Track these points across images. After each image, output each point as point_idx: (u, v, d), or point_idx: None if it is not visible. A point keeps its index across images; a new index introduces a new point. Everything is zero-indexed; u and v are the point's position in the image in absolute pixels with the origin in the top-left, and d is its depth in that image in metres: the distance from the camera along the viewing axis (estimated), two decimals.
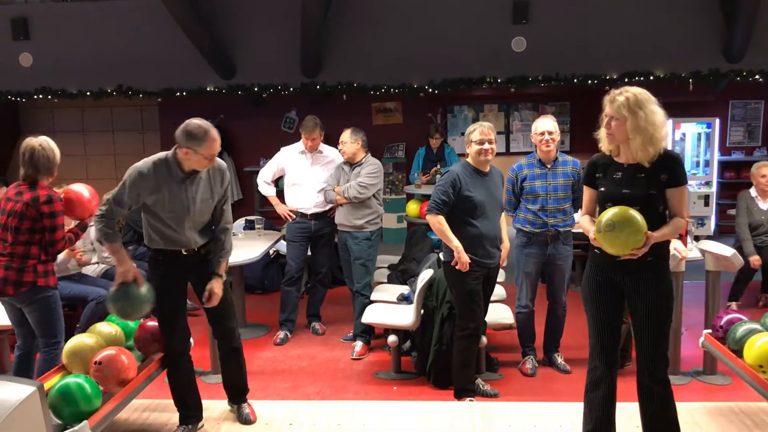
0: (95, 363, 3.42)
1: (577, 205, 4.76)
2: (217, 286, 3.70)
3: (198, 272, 3.76)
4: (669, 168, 3.10)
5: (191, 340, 3.98)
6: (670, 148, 9.24)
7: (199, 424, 3.92)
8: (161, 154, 3.60)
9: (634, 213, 3.01)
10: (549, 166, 4.74)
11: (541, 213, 4.71)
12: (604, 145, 3.23)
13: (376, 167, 5.46)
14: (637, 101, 3.06)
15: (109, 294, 3.59)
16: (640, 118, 3.03)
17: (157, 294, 3.69)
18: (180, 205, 3.56)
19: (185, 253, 3.67)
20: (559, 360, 4.97)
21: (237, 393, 4.08)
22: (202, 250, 3.74)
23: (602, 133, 3.21)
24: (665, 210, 3.16)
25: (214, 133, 3.52)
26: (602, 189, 3.24)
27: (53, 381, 3.43)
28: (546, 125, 4.69)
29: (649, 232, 3.01)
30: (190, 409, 3.89)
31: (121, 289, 3.55)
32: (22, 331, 4.16)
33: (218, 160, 3.71)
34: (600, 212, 3.17)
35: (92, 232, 5.88)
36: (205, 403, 4.24)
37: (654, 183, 3.10)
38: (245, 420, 3.96)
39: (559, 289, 4.90)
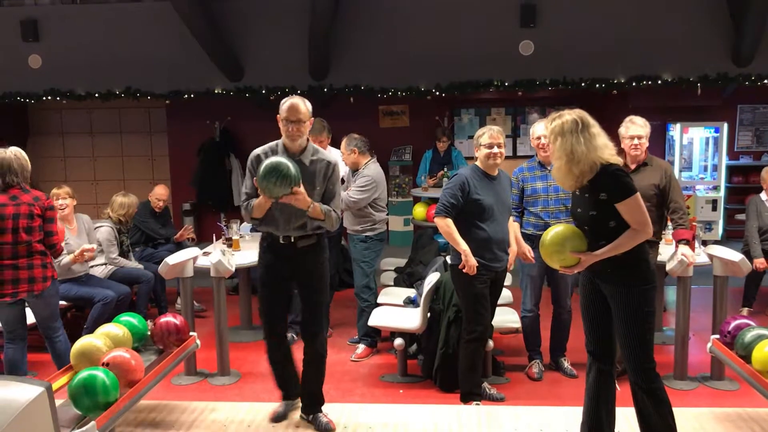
0: (103, 364, 3.43)
1: None
2: (305, 196, 3.61)
3: (294, 266, 3.85)
4: (605, 186, 3.12)
5: (285, 327, 4.09)
6: (677, 152, 9.27)
7: (296, 402, 4.10)
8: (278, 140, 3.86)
9: (568, 235, 3.21)
10: (548, 167, 4.73)
11: (544, 214, 4.71)
12: None
13: (366, 179, 5.39)
14: (562, 129, 3.16)
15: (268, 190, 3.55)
16: (557, 147, 3.17)
17: (261, 279, 3.94)
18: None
19: (282, 242, 3.79)
20: (566, 364, 4.96)
21: (311, 402, 4.02)
22: (298, 243, 3.80)
23: None
24: (621, 225, 3.13)
25: (296, 100, 3.74)
26: (570, 205, 3.43)
27: (62, 381, 3.45)
28: (542, 130, 4.69)
29: (585, 254, 3.16)
30: (286, 386, 4.09)
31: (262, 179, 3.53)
32: (17, 329, 4.34)
33: (331, 155, 3.92)
34: None
35: (100, 233, 5.92)
36: (211, 404, 4.27)
37: (594, 203, 3.16)
38: (325, 429, 3.90)
39: (564, 293, 4.89)
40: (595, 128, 3.19)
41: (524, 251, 4.68)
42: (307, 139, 3.84)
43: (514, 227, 4.64)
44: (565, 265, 3.25)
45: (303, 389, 4.04)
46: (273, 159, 3.57)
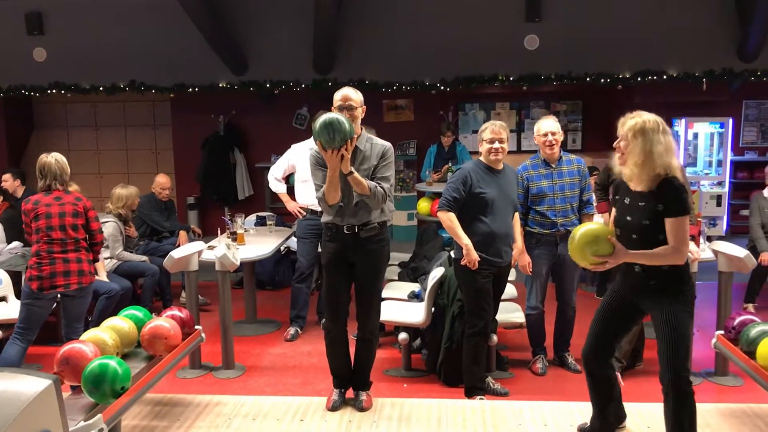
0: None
1: (582, 205, 4.80)
2: (347, 156, 3.67)
3: (357, 255, 3.94)
4: (666, 198, 3.11)
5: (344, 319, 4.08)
6: (682, 150, 9.25)
7: (343, 389, 4.19)
8: None
9: (601, 230, 3.19)
10: (554, 165, 4.73)
11: (550, 213, 4.69)
12: (618, 170, 3.31)
13: None
14: (644, 127, 3.12)
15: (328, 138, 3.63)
16: (637, 145, 3.11)
17: (326, 268, 4.04)
18: (340, 175, 3.76)
19: (347, 231, 3.90)
20: (570, 359, 4.96)
21: (357, 381, 4.21)
22: (362, 233, 3.90)
23: (616, 158, 3.29)
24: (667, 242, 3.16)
25: (347, 88, 3.95)
26: (614, 213, 3.38)
27: None
28: (549, 126, 4.68)
29: (618, 249, 3.14)
30: (338, 377, 4.20)
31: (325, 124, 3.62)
32: (34, 329, 4.53)
33: (385, 143, 3.98)
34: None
35: (105, 228, 5.93)
36: (216, 398, 4.29)
37: (650, 213, 3.14)
38: (357, 407, 4.10)
39: (569, 290, 4.87)
40: (670, 135, 3.19)
41: (525, 264, 4.68)
42: (362, 128, 3.96)
43: (518, 222, 4.63)
44: (599, 254, 3.15)
45: (353, 368, 4.21)
46: (327, 114, 3.67)
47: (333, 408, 4.08)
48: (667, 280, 3.18)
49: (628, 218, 3.22)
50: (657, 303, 3.20)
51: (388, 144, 3.99)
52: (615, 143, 3.23)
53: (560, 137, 4.73)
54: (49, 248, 4.40)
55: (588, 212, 4.82)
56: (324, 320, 4.18)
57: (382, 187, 3.84)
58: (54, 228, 4.41)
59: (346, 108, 3.85)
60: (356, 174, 3.74)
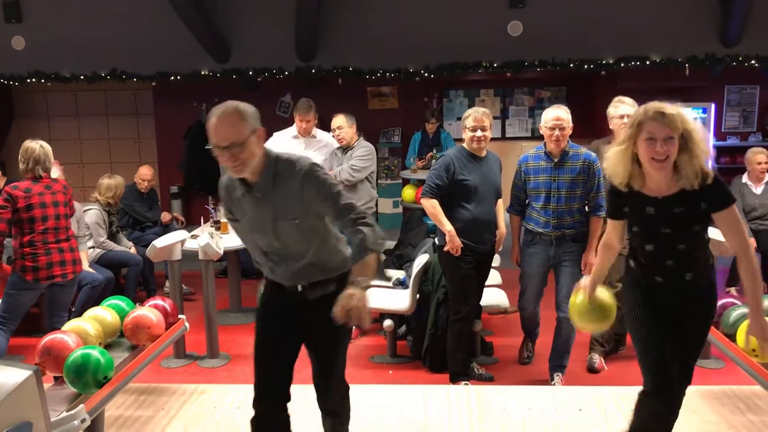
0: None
1: (591, 207, 4.30)
2: (349, 298, 2.47)
3: (304, 318, 2.77)
4: (708, 191, 2.62)
5: (287, 390, 2.85)
6: None
7: None
8: None
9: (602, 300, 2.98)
10: (556, 159, 4.25)
11: (543, 212, 4.28)
12: (622, 177, 2.73)
13: (368, 150, 5.47)
14: (685, 114, 2.60)
15: None
16: (698, 133, 2.60)
17: (257, 325, 2.87)
18: (249, 223, 2.73)
19: (288, 290, 2.77)
20: (555, 380, 4.43)
21: None
22: (309, 294, 2.73)
23: (618, 163, 2.72)
24: (706, 237, 2.79)
25: (220, 114, 2.51)
26: (635, 229, 2.82)
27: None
28: (556, 118, 4.20)
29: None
30: None
31: None
32: (17, 317, 4.49)
33: (306, 159, 2.66)
34: (637, 249, 2.87)
35: (88, 217, 5.88)
36: (201, 386, 4.28)
37: (696, 216, 2.68)
38: None
39: (564, 296, 4.25)
40: None
41: (514, 258, 4.54)
42: (266, 154, 2.62)
43: (502, 209, 4.62)
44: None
45: None
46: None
47: None
48: (700, 269, 2.78)
49: (665, 230, 2.71)
50: (687, 307, 2.81)
51: (304, 163, 2.62)
52: (660, 148, 2.54)
53: (569, 131, 4.23)
54: (43, 238, 4.35)
55: (597, 215, 4.23)
56: (255, 395, 2.80)
57: (365, 228, 2.60)
58: (49, 217, 4.38)
59: (225, 149, 2.47)
60: (365, 280, 2.53)
